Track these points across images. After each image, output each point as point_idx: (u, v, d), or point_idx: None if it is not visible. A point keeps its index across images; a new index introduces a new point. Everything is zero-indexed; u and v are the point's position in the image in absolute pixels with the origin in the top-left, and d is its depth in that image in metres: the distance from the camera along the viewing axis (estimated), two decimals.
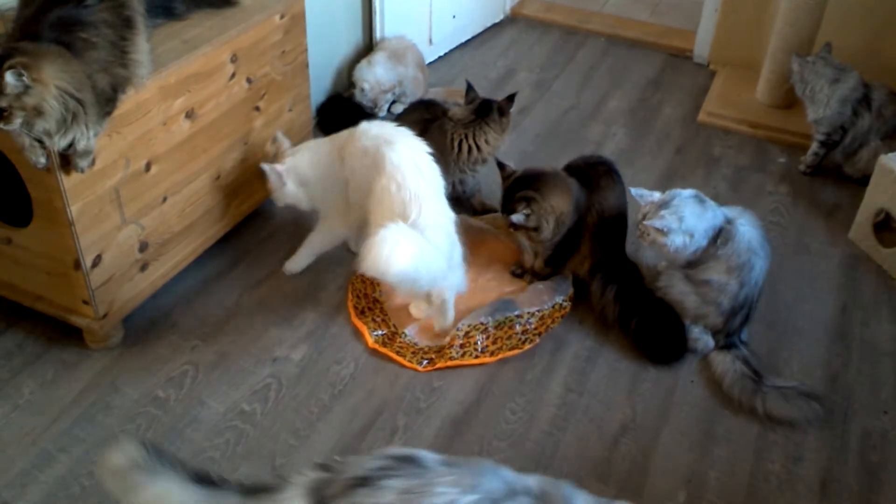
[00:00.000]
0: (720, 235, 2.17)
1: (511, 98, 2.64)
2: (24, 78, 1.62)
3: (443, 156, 2.61)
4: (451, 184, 2.71)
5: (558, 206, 2.30)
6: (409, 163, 2.15)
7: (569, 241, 2.38)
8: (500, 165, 2.50)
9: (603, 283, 2.34)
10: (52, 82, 1.66)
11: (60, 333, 2.23)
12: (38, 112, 1.67)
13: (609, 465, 1.97)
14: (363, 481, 1.30)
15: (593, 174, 2.39)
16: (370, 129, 2.26)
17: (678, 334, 2.26)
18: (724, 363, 2.18)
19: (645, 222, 2.19)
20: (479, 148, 2.61)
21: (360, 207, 2.27)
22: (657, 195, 2.23)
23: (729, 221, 2.19)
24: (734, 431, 2.06)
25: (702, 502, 1.89)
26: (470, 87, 2.70)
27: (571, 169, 2.44)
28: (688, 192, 2.22)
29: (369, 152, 2.20)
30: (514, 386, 2.17)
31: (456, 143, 2.60)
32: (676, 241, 2.16)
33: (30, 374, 2.14)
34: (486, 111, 2.61)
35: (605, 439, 2.04)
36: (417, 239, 2.04)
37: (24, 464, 1.92)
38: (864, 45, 3.45)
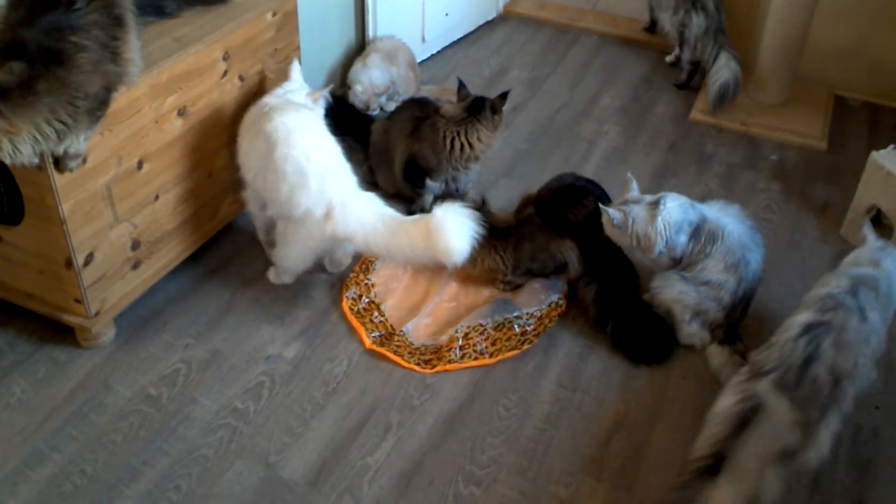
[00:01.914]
0: (701, 233, 2.19)
1: (504, 96, 2.64)
2: None
3: (435, 153, 2.62)
4: (443, 181, 2.72)
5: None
6: (305, 134, 2.21)
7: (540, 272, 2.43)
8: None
9: (585, 284, 2.37)
10: (24, 130, 1.66)
11: (52, 332, 2.22)
12: None
13: (602, 461, 1.98)
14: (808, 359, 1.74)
15: (560, 209, 2.39)
16: (262, 101, 2.28)
17: (658, 335, 2.28)
18: (722, 356, 2.19)
19: (602, 206, 2.25)
20: (471, 145, 2.61)
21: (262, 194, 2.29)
22: (636, 193, 2.29)
23: (705, 219, 2.20)
24: None
25: None
26: (462, 86, 2.70)
27: (541, 201, 2.44)
28: (648, 197, 2.27)
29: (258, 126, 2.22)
30: (508, 383, 2.17)
31: (448, 141, 2.60)
32: (622, 241, 2.25)
33: (21, 372, 2.13)
34: (479, 109, 2.61)
35: (598, 435, 2.04)
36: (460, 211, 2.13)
37: (16, 462, 1.91)
38: (856, 40, 3.46)
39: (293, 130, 2.18)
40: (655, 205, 2.22)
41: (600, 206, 2.26)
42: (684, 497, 1.68)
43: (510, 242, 2.39)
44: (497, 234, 2.40)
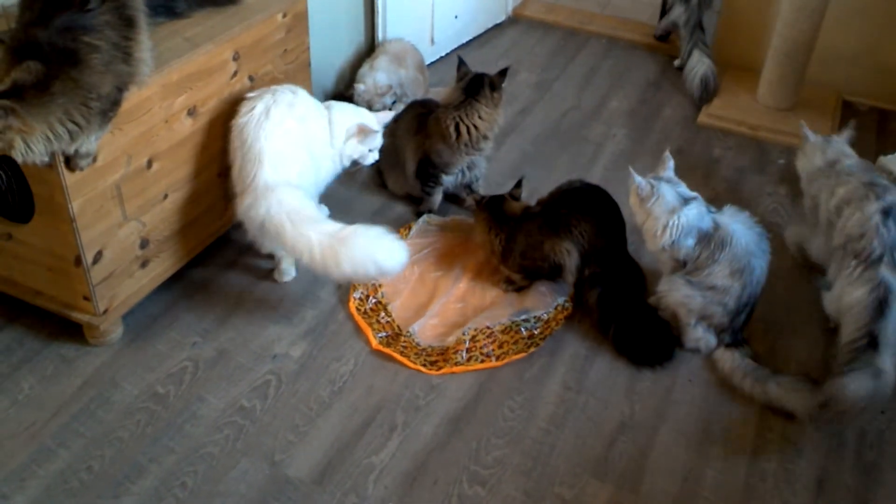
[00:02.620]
0: (711, 240, 2.18)
1: (503, 72, 2.62)
2: None
3: (447, 145, 2.61)
4: (459, 172, 2.71)
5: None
6: (259, 112, 2.24)
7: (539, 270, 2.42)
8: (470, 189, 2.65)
9: (589, 287, 2.37)
10: (38, 130, 1.67)
11: (60, 329, 2.23)
12: (10, 147, 1.68)
13: (606, 462, 1.98)
14: None
15: (564, 211, 2.37)
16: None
17: (659, 337, 2.28)
18: (733, 360, 2.19)
19: (632, 169, 2.26)
20: (476, 126, 2.59)
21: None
22: (671, 174, 2.30)
23: (717, 227, 2.20)
24: (732, 430, 2.07)
25: (698, 500, 1.90)
26: (461, 63, 2.69)
27: (548, 204, 2.44)
28: (684, 187, 2.27)
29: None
30: (513, 384, 2.18)
31: (452, 128, 2.59)
32: (637, 215, 2.26)
33: (29, 369, 2.15)
34: (476, 88, 2.59)
35: (602, 437, 2.04)
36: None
37: (23, 458, 1.92)
38: (864, 46, 3.46)
39: (248, 107, 2.25)
40: (685, 201, 2.22)
41: (630, 169, 2.26)
42: (855, 368, 1.99)
43: (503, 233, 2.40)
44: (501, 218, 2.41)
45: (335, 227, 2.14)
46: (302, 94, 2.34)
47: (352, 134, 2.41)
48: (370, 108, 3.20)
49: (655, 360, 2.26)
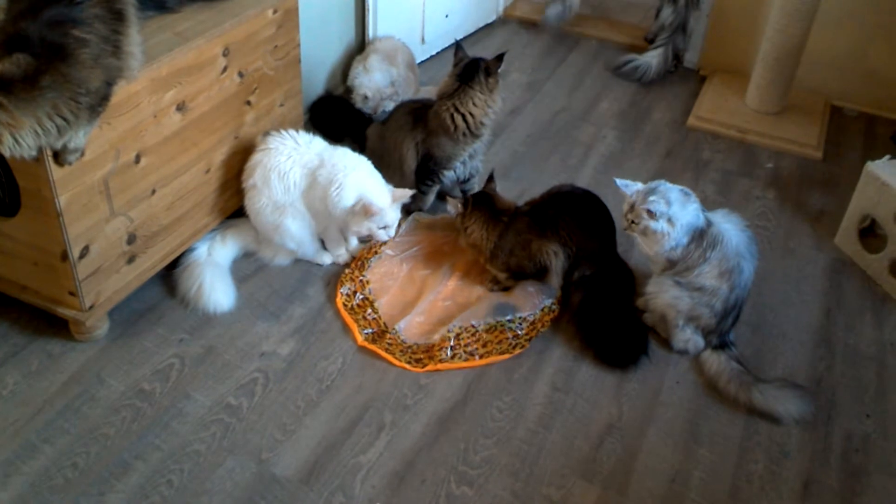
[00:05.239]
0: (703, 238, 2.19)
1: (500, 57, 2.59)
2: None
3: (449, 137, 2.60)
4: (462, 163, 2.70)
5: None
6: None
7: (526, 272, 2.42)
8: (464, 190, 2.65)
9: (574, 289, 2.38)
10: (26, 124, 1.65)
11: (46, 324, 2.22)
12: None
13: (594, 463, 1.98)
14: None
15: (552, 214, 2.36)
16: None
17: (629, 339, 2.29)
18: (719, 362, 2.20)
19: (641, 206, 2.19)
20: (471, 114, 2.58)
21: None
22: (640, 185, 2.26)
23: (710, 224, 2.20)
24: (718, 432, 2.08)
25: (685, 501, 1.90)
26: (458, 48, 2.65)
27: (537, 205, 2.43)
28: (672, 185, 2.25)
29: None
30: (501, 384, 2.18)
31: (449, 119, 2.58)
32: (659, 226, 2.19)
33: (14, 364, 2.12)
34: (470, 74, 2.57)
35: (590, 438, 2.05)
36: None
37: (6, 454, 1.90)
38: (853, 51, 3.48)
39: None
40: (685, 193, 2.21)
41: (630, 213, 2.23)
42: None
43: (498, 227, 2.39)
44: (494, 213, 2.41)
45: None
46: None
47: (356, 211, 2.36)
48: (375, 111, 3.19)
49: (622, 361, 2.26)
